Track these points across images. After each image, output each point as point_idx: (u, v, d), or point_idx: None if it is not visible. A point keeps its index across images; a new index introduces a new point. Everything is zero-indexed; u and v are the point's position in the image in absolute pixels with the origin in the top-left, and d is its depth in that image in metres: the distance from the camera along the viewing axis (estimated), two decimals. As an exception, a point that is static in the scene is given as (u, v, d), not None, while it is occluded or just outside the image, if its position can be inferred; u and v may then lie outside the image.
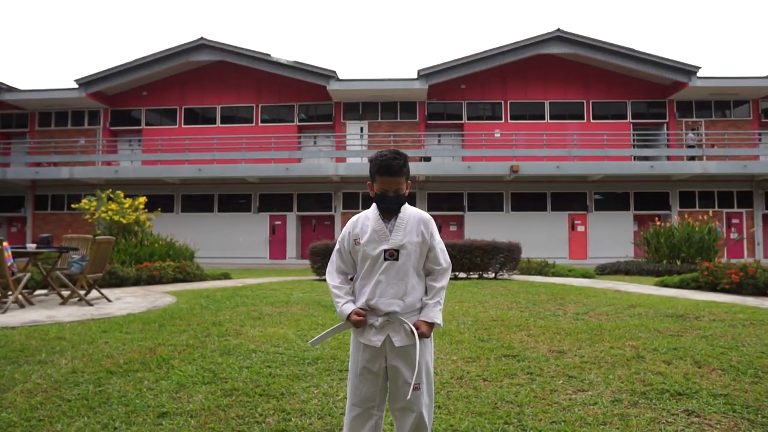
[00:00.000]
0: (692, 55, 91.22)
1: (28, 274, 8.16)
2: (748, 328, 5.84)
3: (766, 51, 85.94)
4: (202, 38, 25.77)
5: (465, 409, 3.43)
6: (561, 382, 4.02)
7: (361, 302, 2.41)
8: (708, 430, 3.10)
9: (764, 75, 25.38)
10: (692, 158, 24.66)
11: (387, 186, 2.38)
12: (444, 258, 2.49)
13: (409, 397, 2.34)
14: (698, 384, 3.87)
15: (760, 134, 26.02)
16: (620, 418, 3.28)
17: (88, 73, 26.24)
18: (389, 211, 2.43)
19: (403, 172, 2.40)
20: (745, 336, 5.43)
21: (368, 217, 2.45)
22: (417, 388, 2.38)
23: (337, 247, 2.51)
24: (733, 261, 10.63)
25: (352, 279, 2.52)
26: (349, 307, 2.39)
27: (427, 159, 25.29)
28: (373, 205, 2.48)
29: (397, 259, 2.36)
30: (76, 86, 26.09)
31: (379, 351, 2.38)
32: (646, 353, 4.80)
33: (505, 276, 13.38)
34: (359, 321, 2.36)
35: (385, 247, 2.36)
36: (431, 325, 2.40)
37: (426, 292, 2.48)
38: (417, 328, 2.36)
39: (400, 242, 2.37)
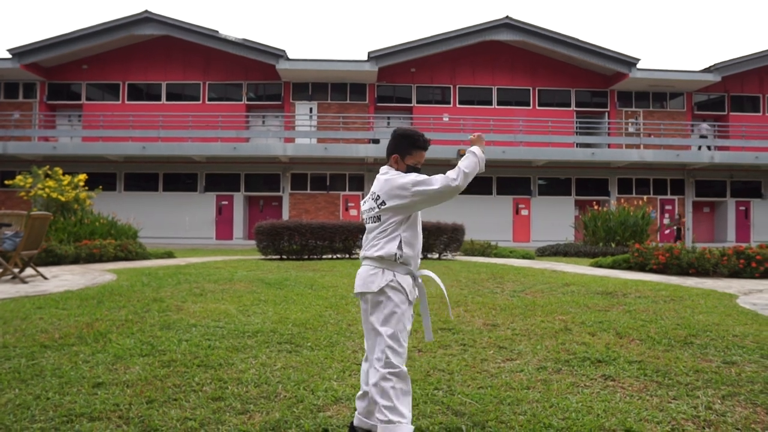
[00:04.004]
0: (633, 48, 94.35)
1: (-43, 251, 7.83)
2: (668, 304, 6.26)
3: (701, 47, 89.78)
4: (146, 11, 24.86)
5: (398, 377, 3.58)
6: (492, 352, 4.24)
7: (418, 256, 2.63)
8: (620, 391, 3.35)
9: (698, 70, 26.59)
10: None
11: (420, 160, 2.69)
12: None
13: None
14: (617, 352, 4.15)
15: (692, 125, 27.32)
16: (543, 383, 3.50)
17: (23, 43, 24.91)
18: None
19: None
20: (665, 311, 5.83)
21: None
22: None
23: (423, 176, 2.56)
24: (660, 244, 11.23)
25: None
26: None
27: (376, 141, 25.35)
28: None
29: None
30: (9, 56, 24.75)
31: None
32: (573, 326, 5.09)
33: (449, 256, 13.70)
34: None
35: None
36: None
37: None
38: None
39: None
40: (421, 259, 12.43)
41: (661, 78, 25.92)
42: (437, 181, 2.46)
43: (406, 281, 2.55)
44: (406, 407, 2.44)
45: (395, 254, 2.52)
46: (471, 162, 2.49)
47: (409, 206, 2.52)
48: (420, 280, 2.68)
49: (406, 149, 2.65)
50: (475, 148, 2.54)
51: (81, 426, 2.71)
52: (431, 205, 2.55)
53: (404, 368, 2.48)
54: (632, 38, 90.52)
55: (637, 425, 2.82)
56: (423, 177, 2.51)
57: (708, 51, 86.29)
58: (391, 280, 2.52)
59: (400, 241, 2.53)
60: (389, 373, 2.44)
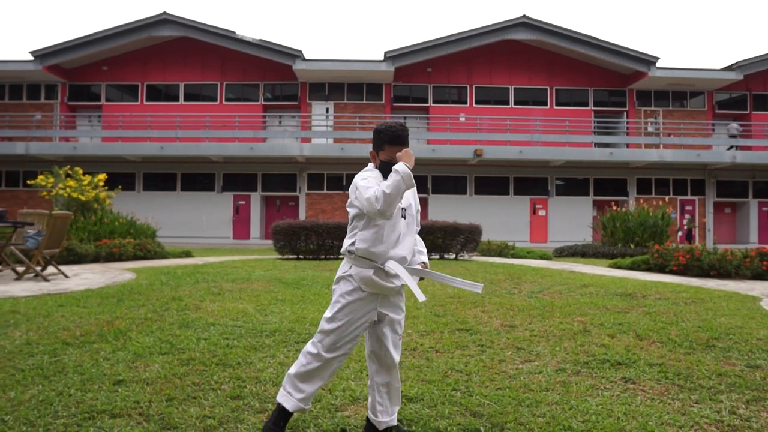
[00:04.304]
0: (653, 46, 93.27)
1: (-19, 249, 7.97)
2: (689, 306, 6.17)
3: (723, 45, 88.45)
4: (164, 13, 25.12)
5: (416, 378, 3.57)
6: (510, 353, 4.21)
7: (381, 249, 2.53)
8: (641, 394, 3.31)
9: (719, 68, 26.20)
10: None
11: (395, 155, 2.57)
12: None
13: (395, 345, 2.65)
14: (637, 355, 4.10)
15: (713, 125, 26.92)
16: (562, 384, 3.47)
17: (45, 45, 25.31)
18: None
19: (408, 143, 2.63)
20: (685, 313, 5.74)
21: (379, 179, 2.57)
22: (401, 338, 2.70)
23: (367, 183, 2.48)
24: (681, 245, 11.09)
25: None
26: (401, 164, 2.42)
27: (393, 141, 25.32)
28: (372, 171, 2.63)
29: (405, 217, 2.64)
30: (32, 58, 25.16)
31: (375, 300, 2.58)
32: (592, 328, 5.04)
33: (466, 257, 13.65)
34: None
35: (400, 205, 2.59)
36: (427, 265, 2.75)
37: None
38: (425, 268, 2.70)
39: (408, 203, 2.66)
40: (438, 259, 12.33)
41: (681, 77, 25.58)
42: (367, 195, 2.42)
43: (362, 274, 2.53)
44: (307, 386, 2.55)
45: (347, 250, 2.58)
46: (393, 181, 2.37)
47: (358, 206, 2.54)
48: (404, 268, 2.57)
49: (379, 145, 2.62)
50: (399, 165, 2.39)
51: (102, 423, 2.75)
52: None
53: (326, 356, 2.52)
54: (652, 36, 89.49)
55: (659, 429, 2.78)
56: (365, 184, 2.47)
57: (730, 49, 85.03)
58: (345, 272, 2.58)
59: (356, 238, 2.56)
60: (308, 352, 2.56)
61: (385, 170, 2.57)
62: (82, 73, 26.84)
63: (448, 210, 23.94)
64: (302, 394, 2.54)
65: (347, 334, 2.54)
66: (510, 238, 19.40)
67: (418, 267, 2.65)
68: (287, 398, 2.55)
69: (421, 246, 2.82)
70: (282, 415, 2.56)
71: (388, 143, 2.57)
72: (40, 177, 15.10)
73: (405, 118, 27.07)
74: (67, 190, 14.23)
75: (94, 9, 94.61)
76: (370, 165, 2.67)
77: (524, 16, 25.13)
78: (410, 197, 2.70)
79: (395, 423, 2.67)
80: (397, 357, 2.64)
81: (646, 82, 25.96)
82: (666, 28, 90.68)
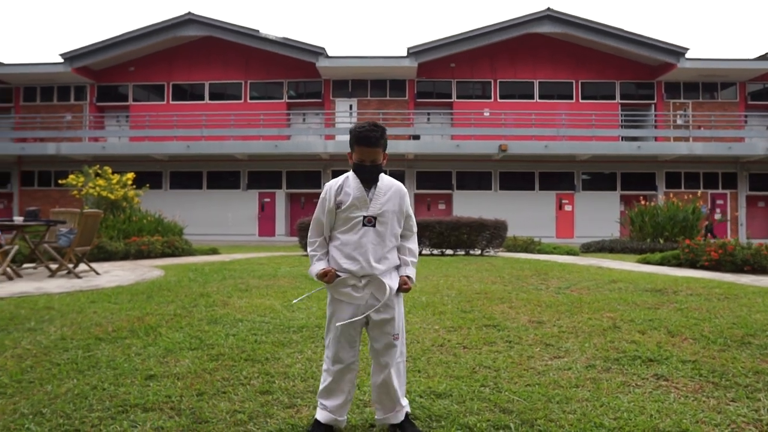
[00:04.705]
0: (681, 36, 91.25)
1: (16, 247, 8.18)
2: (722, 302, 6.02)
3: (755, 34, 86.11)
4: (189, 13, 25.43)
5: (444, 374, 3.55)
6: (538, 349, 4.16)
7: (355, 259, 2.51)
8: (674, 392, 3.24)
9: (752, 58, 25.52)
10: None
11: (364, 156, 2.49)
12: (415, 224, 2.75)
13: (387, 346, 2.58)
14: (669, 351, 4.01)
15: (746, 116, 26.25)
16: (592, 381, 3.42)
17: (74, 48, 25.85)
18: (367, 180, 2.54)
19: (380, 144, 2.51)
20: (719, 309, 5.60)
21: (350, 183, 2.54)
22: (396, 338, 2.60)
23: (317, 213, 2.59)
24: (712, 240, 10.85)
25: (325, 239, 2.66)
26: (319, 266, 2.54)
27: (416, 137, 25.30)
28: (352, 172, 2.58)
29: (374, 225, 2.51)
30: (62, 61, 25.71)
31: (359, 308, 2.53)
32: (622, 324, 4.95)
33: (491, 253, 13.56)
34: (328, 274, 2.50)
35: (365, 213, 2.49)
36: (411, 280, 2.63)
37: (400, 252, 2.66)
38: (404, 284, 2.59)
39: (378, 210, 2.52)
40: (464, 255, 12.23)
41: (712, 67, 24.99)
42: (309, 233, 2.63)
43: (333, 286, 2.52)
44: (329, 401, 2.58)
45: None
46: (311, 264, 2.60)
47: None
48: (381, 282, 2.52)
49: (351, 146, 2.55)
50: (314, 269, 2.56)
51: (136, 416, 2.79)
52: None
53: (333, 368, 2.56)
54: (680, 27, 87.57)
55: (694, 427, 2.71)
56: (314, 220, 2.60)
57: (763, 38, 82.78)
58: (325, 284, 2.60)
59: (329, 245, 2.59)
60: (323, 369, 2.64)
61: (358, 171, 2.52)
62: (109, 74, 27.32)
63: (473, 205, 23.79)
64: (327, 408, 2.57)
65: (342, 343, 2.54)
66: (536, 234, 19.21)
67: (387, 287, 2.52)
68: (318, 410, 2.61)
69: (411, 256, 2.66)
70: (316, 426, 2.56)
71: (356, 143, 2.49)
72: (71, 176, 15.44)
73: (429, 114, 26.99)
74: (97, 189, 14.52)
75: (120, 11, 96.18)
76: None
77: (548, 9, 24.82)
78: (391, 203, 2.55)
79: (397, 421, 2.62)
80: (390, 358, 2.56)
81: (675, 73, 25.43)
82: (695, 18, 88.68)
